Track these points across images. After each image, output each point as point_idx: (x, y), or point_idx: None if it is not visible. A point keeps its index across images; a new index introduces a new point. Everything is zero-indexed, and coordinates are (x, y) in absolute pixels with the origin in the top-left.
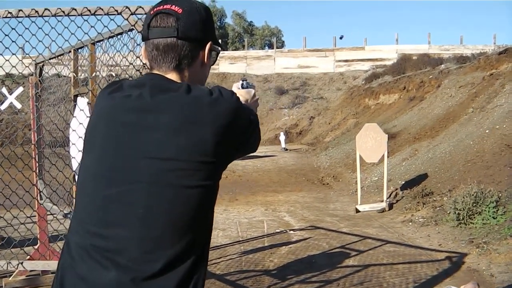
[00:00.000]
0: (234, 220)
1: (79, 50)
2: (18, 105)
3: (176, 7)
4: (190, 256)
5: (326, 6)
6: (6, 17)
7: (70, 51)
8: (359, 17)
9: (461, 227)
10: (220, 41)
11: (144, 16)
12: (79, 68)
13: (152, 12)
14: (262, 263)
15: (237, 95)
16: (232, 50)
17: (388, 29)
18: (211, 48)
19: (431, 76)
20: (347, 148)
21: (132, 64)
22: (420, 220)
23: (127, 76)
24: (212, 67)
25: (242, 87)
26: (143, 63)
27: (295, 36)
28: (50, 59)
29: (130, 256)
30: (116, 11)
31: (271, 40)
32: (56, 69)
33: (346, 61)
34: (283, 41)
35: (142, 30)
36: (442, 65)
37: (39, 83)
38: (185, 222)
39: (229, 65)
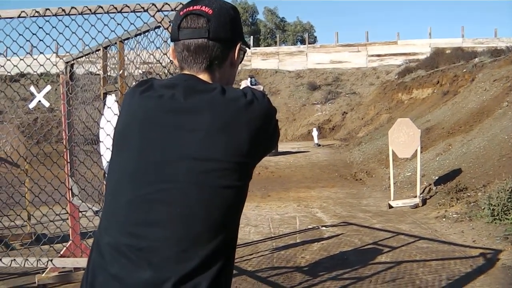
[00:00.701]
0: (266, 217)
1: (107, 48)
2: (46, 104)
3: (207, 7)
4: (222, 254)
5: (358, 1)
6: (33, 16)
7: (98, 50)
8: (392, 11)
9: (495, 223)
10: (252, 37)
11: (171, 13)
12: (108, 65)
13: (181, 13)
14: (294, 259)
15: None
16: (264, 46)
17: (421, 23)
18: (240, 48)
19: (465, 70)
20: (380, 143)
21: (159, 61)
22: (453, 216)
23: (154, 73)
24: (243, 63)
25: (251, 84)
26: (171, 60)
27: (327, 31)
28: (79, 57)
29: (165, 255)
30: (143, 8)
31: (303, 35)
32: (83, 67)
33: (378, 55)
34: (315, 37)
35: (171, 31)
36: (476, 59)
37: (69, 81)
38: (219, 222)
39: (261, 61)
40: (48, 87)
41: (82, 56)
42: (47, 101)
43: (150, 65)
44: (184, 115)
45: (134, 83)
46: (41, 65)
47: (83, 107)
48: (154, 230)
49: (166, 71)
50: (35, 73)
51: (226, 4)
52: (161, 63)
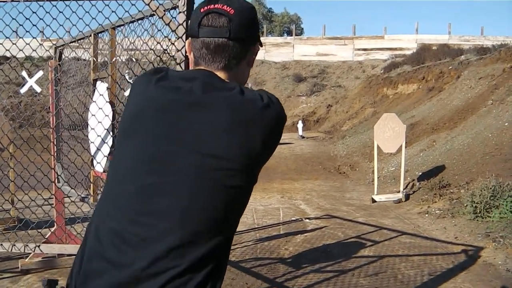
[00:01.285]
0: (250, 207)
1: (100, 34)
2: (38, 89)
3: (228, 7)
4: (220, 252)
5: None
6: (27, 0)
7: (90, 35)
8: (379, 6)
9: (477, 220)
10: None
11: (166, 1)
12: (99, 52)
13: (202, 10)
14: (277, 251)
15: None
16: None
17: (408, 19)
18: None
19: (450, 67)
20: (364, 137)
21: (152, 49)
22: (436, 212)
23: (147, 61)
24: None
25: None
26: (164, 49)
27: (315, 23)
28: (70, 43)
29: (167, 247)
30: None
31: (290, 27)
32: (76, 53)
33: (365, 49)
34: (302, 28)
35: (190, 27)
36: (462, 56)
37: (58, 66)
38: (222, 221)
39: (262, 43)
40: (40, 72)
41: (73, 41)
42: (39, 87)
43: (143, 52)
44: (200, 110)
45: (127, 70)
46: (33, 50)
47: (72, 93)
48: (159, 221)
49: (158, 59)
50: (25, 56)
51: (246, 4)
52: (154, 51)
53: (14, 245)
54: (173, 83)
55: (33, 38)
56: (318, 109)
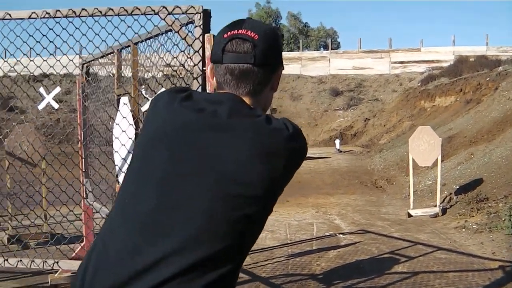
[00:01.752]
0: (283, 222)
1: (120, 51)
2: (56, 105)
3: (252, 33)
4: (224, 283)
5: (382, 7)
6: (44, 17)
7: (111, 52)
8: (415, 18)
9: None
10: None
11: (181, 16)
12: (118, 68)
13: (225, 35)
14: (309, 266)
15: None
16: (287, 51)
17: (445, 30)
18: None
19: (488, 79)
20: (401, 151)
21: (169, 64)
22: (473, 226)
23: (177, 76)
24: None
25: None
26: (181, 64)
27: (350, 37)
28: (91, 60)
29: (171, 272)
30: (153, 11)
31: (326, 41)
32: (93, 69)
33: (401, 62)
34: (339, 42)
35: (213, 53)
36: (500, 67)
37: (84, 83)
38: (235, 248)
39: (284, 66)
40: (58, 89)
41: (94, 60)
42: (56, 103)
43: (160, 68)
44: (223, 134)
45: (143, 86)
46: (51, 66)
47: (102, 109)
48: (167, 243)
49: (177, 74)
50: (60, 73)
51: (270, 29)
52: (171, 66)
53: (33, 261)
54: (196, 105)
55: (51, 54)
56: (356, 123)
